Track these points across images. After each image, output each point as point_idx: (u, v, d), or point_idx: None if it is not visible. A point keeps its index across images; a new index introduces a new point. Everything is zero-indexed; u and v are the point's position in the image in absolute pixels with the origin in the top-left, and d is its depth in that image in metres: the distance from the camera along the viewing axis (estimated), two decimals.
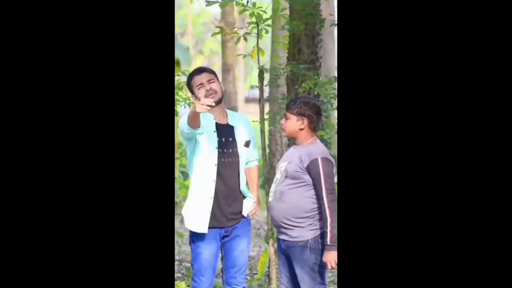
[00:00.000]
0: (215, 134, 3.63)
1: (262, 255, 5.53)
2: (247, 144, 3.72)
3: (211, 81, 3.64)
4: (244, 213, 3.72)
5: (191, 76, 3.71)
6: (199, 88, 3.63)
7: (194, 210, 3.64)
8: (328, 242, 3.39)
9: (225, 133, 3.66)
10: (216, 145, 3.61)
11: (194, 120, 3.42)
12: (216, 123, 3.66)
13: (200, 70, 3.72)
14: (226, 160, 3.64)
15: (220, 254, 3.77)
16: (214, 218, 3.62)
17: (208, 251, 3.65)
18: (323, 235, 3.45)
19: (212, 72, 3.71)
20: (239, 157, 3.67)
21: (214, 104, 3.39)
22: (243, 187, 3.71)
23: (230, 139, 3.66)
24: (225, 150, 3.63)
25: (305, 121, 3.51)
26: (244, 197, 3.73)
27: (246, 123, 3.79)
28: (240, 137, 3.70)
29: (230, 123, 3.70)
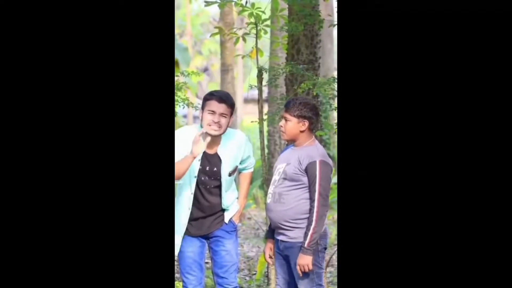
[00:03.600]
0: (199, 163, 3.60)
1: (261, 256, 5.53)
2: (232, 173, 3.68)
3: (223, 115, 3.53)
4: (226, 219, 3.72)
5: (211, 96, 3.57)
6: (209, 113, 3.53)
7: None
8: (305, 245, 3.38)
9: (210, 163, 3.62)
10: (195, 174, 3.59)
11: (181, 170, 3.46)
12: (204, 152, 3.60)
13: (222, 100, 3.55)
14: (207, 187, 3.64)
15: (205, 253, 3.78)
16: (192, 228, 3.66)
17: (190, 248, 3.68)
18: (321, 237, 3.45)
19: (232, 106, 3.58)
20: (220, 185, 3.64)
21: (206, 138, 3.44)
22: (226, 203, 3.70)
23: (215, 169, 3.63)
24: (207, 178, 3.62)
25: (306, 123, 3.49)
26: (224, 210, 3.72)
27: (241, 145, 3.71)
28: (227, 166, 3.65)
29: (219, 152, 3.63)
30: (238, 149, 3.70)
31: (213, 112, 3.53)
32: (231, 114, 3.60)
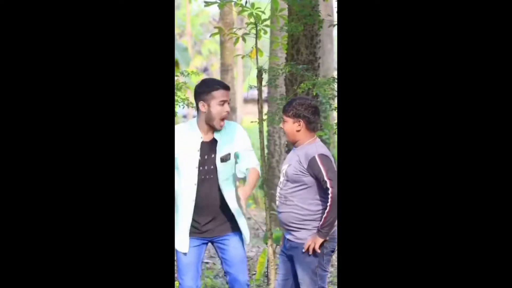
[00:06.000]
0: (198, 153, 3.58)
1: (261, 256, 5.53)
2: (224, 158, 3.60)
3: (228, 102, 3.55)
4: (247, 239, 3.69)
5: (218, 86, 3.54)
6: (222, 104, 3.51)
7: (176, 228, 3.61)
8: (319, 227, 3.39)
9: (207, 149, 3.59)
10: (197, 164, 3.57)
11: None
12: (202, 142, 3.60)
13: (227, 87, 3.55)
14: (206, 177, 3.58)
15: (204, 255, 3.77)
16: (194, 231, 3.63)
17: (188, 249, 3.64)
18: (327, 240, 3.44)
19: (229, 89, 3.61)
20: (217, 173, 3.59)
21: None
22: (232, 205, 3.62)
23: (213, 155, 3.59)
24: (206, 167, 3.59)
25: (301, 123, 3.48)
26: (232, 216, 3.63)
27: (236, 131, 3.66)
28: (224, 150, 3.60)
29: (216, 136, 3.60)
30: (234, 133, 3.65)
31: (224, 102, 3.52)
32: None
